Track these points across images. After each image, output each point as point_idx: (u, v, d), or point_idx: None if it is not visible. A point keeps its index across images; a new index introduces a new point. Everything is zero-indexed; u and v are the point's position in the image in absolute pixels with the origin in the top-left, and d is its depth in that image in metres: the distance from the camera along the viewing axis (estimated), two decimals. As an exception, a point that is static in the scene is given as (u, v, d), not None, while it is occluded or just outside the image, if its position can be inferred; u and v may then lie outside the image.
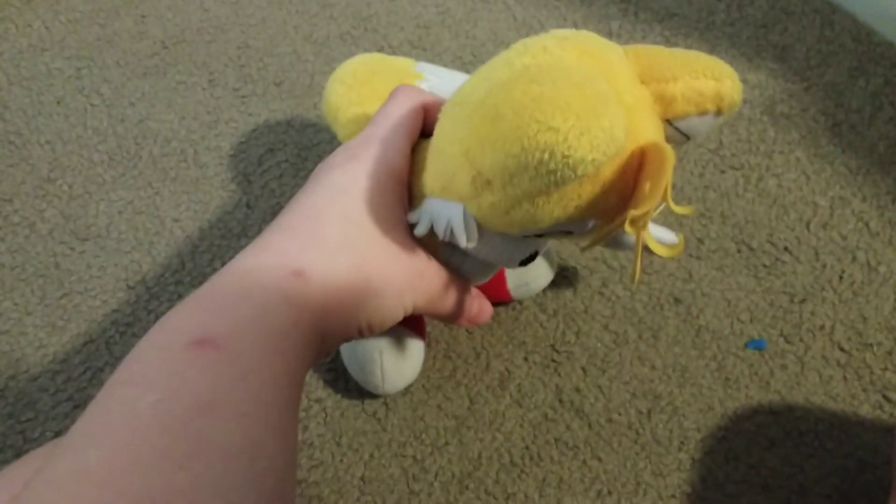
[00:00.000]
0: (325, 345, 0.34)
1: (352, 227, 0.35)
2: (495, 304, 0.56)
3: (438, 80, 0.47)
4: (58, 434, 0.52)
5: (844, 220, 0.63)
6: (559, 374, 0.55)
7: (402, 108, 0.39)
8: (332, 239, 0.34)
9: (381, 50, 0.76)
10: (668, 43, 0.76)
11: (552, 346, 0.56)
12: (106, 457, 0.24)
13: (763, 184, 0.65)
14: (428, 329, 0.56)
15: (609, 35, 0.78)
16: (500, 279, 0.54)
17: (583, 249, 0.58)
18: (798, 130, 0.69)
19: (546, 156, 0.28)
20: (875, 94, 0.72)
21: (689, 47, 0.75)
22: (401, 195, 0.37)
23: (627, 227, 0.31)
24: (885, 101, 0.71)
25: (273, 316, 0.30)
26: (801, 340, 0.56)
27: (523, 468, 0.51)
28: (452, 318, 0.42)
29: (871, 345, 0.56)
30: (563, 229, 0.35)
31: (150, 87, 0.73)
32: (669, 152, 0.30)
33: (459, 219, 0.34)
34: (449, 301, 0.40)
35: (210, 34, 0.78)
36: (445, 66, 0.57)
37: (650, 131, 0.33)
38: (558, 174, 0.29)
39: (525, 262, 0.41)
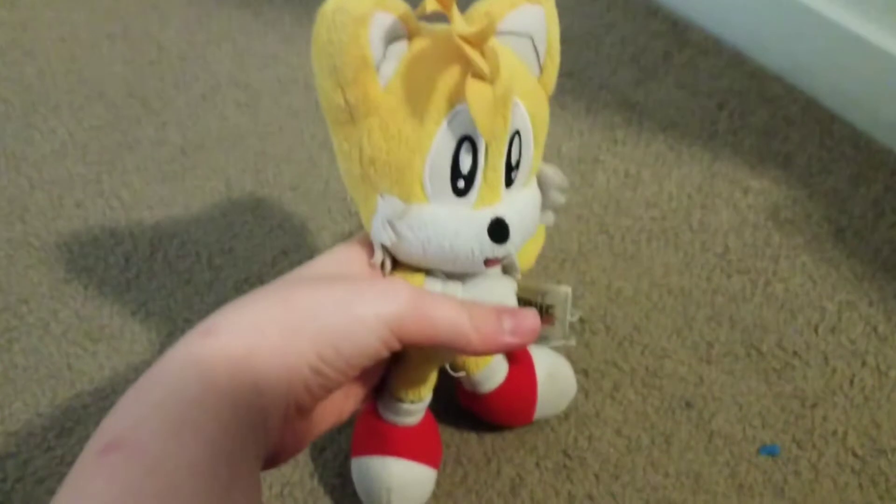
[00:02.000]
0: (267, 395, 0.29)
1: (279, 283, 0.34)
2: (517, 426, 0.56)
3: None
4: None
5: (852, 325, 0.63)
6: (571, 481, 0.54)
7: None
8: (250, 296, 0.32)
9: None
10: (672, 151, 0.79)
11: (564, 452, 0.55)
12: None
13: (770, 288, 0.66)
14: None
15: (614, 143, 0.80)
16: (531, 407, 0.54)
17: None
18: (803, 236, 0.70)
19: (327, 24, 0.33)
20: (877, 201, 0.73)
21: (692, 155, 0.78)
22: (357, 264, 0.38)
23: (474, 61, 0.33)
24: (886, 207, 0.72)
25: (180, 388, 0.28)
26: (813, 446, 0.55)
27: (535, 578, 0.50)
28: (473, 340, 0.35)
29: (885, 451, 0.55)
30: (456, 137, 0.36)
31: (169, 192, 0.75)
32: None
33: (382, 207, 0.37)
34: (447, 315, 0.34)
35: (228, 141, 0.80)
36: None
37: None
38: (341, 26, 0.33)
39: (497, 235, 0.38)
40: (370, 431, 0.49)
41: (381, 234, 0.37)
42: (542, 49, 0.40)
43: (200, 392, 0.28)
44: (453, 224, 0.37)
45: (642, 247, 0.70)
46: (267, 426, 0.30)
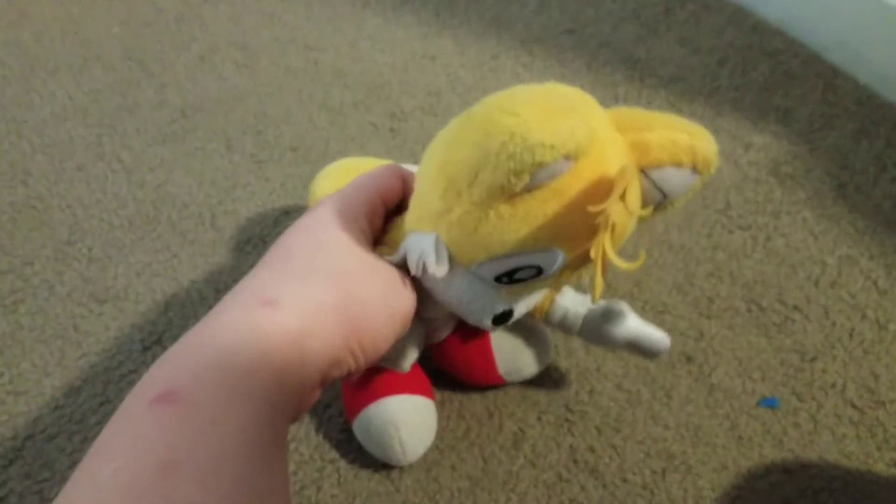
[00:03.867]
0: (309, 371, 0.31)
1: (321, 252, 0.35)
2: (486, 386, 0.57)
3: None
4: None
5: (853, 279, 0.63)
6: (573, 434, 0.55)
7: (374, 172, 0.40)
8: (300, 266, 0.34)
9: (393, 116, 0.78)
10: (673, 108, 0.78)
11: (566, 406, 0.56)
12: None
13: (771, 243, 0.66)
14: (438, 387, 0.56)
15: (615, 101, 0.80)
16: (489, 360, 0.54)
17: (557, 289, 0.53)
18: (804, 191, 0.70)
19: (506, 137, 0.30)
20: (878, 156, 0.73)
21: (693, 111, 0.77)
22: (362, 232, 0.38)
23: (592, 253, 0.32)
24: (888, 162, 0.72)
25: (237, 353, 0.29)
26: (813, 398, 0.56)
27: (538, 529, 0.51)
28: None
29: (883, 402, 0.56)
30: (532, 263, 0.35)
31: (169, 154, 0.75)
32: (632, 169, 0.31)
33: (431, 245, 0.36)
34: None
35: (228, 103, 0.80)
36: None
37: (619, 165, 0.33)
38: (517, 158, 0.30)
39: (499, 321, 0.40)
40: (358, 388, 0.51)
41: (412, 258, 0.36)
42: (665, 204, 0.38)
43: (256, 362, 0.29)
44: (476, 301, 0.39)
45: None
46: (302, 396, 0.32)
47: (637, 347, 0.49)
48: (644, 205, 0.37)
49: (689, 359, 0.58)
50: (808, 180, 0.71)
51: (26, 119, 0.79)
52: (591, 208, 0.31)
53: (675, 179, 0.36)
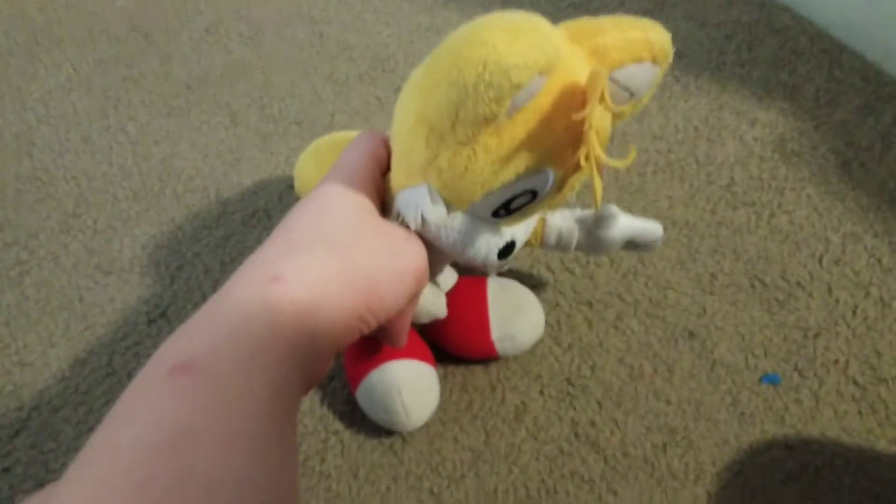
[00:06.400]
0: (320, 342, 0.32)
1: (324, 223, 0.35)
2: (480, 359, 0.57)
3: None
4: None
5: (856, 256, 0.63)
6: (574, 408, 0.55)
7: (361, 139, 0.40)
8: (304, 239, 0.34)
9: (398, 89, 0.77)
10: (679, 82, 0.78)
11: (567, 380, 0.56)
12: (88, 494, 0.24)
13: (775, 220, 0.66)
14: (441, 361, 0.57)
15: (622, 75, 0.79)
16: (485, 329, 0.54)
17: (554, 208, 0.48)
18: (809, 168, 0.70)
19: (480, 68, 0.30)
20: (884, 133, 0.73)
21: (699, 87, 0.77)
22: (369, 197, 0.38)
23: (583, 162, 0.32)
24: (894, 140, 0.72)
25: (250, 328, 0.30)
26: (815, 375, 0.56)
27: (539, 502, 0.52)
28: (404, 323, 0.41)
29: (885, 380, 0.56)
30: (526, 188, 0.36)
31: (175, 127, 0.75)
32: (602, 73, 0.31)
33: (425, 196, 0.36)
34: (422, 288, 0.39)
35: (233, 75, 0.80)
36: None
37: (586, 72, 0.34)
38: (495, 85, 0.30)
39: (504, 254, 0.40)
40: (359, 356, 0.52)
41: (409, 214, 0.37)
42: (634, 102, 0.39)
43: (269, 336, 0.30)
44: (476, 239, 0.39)
45: (648, 179, 0.69)
46: (314, 368, 0.32)
47: (635, 243, 0.52)
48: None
49: (692, 334, 0.59)
50: (813, 157, 0.71)
51: (31, 90, 0.79)
52: (576, 116, 0.32)
53: (639, 75, 0.37)
